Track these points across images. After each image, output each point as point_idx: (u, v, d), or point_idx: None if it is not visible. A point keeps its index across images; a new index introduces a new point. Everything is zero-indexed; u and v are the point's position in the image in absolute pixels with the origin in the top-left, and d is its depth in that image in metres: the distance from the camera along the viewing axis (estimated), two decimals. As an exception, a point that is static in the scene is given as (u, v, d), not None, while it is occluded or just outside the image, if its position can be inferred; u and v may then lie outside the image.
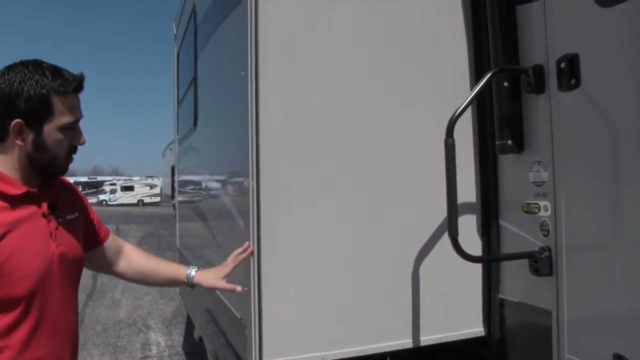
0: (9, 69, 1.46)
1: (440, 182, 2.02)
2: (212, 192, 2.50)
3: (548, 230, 1.83)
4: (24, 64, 1.47)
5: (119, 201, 44.57)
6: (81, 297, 8.31)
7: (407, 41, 2.06)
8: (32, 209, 1.49)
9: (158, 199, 44.77)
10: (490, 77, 1.80)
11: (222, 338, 2.40)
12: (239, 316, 2.06)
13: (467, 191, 2.14)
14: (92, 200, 45.57)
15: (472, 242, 2.14)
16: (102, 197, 46.69)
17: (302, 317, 1.87)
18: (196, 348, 5.44)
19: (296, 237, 1.87)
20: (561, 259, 1.77)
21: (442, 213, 2.06)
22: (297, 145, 1.88)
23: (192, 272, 1.79)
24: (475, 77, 2.15)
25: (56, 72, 1.47)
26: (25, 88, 1.42)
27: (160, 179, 47.14)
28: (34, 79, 1.43)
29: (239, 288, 1.73)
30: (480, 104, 2.13)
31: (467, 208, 2.14)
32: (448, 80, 2.13)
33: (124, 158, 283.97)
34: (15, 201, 1.45)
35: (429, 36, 2.10)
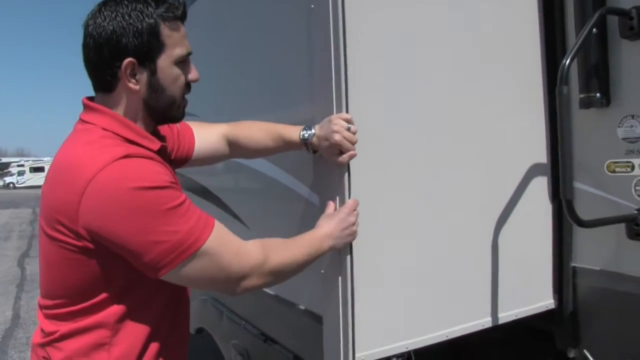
0: (104, 5, 1.25)
1: (507, 148, 1.87)
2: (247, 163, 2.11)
3: (646, 191, 1.68)
4: None
5: (27, 183, 41.93)
6: (10, 289, 7.60)
7: None
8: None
9: (72, 180, 42.40)
10: (598, 17, 1.59)
11: (258, 334, 2.08)
12: (303, 308, 1.77)
13: (536, 150, 1.95)
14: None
15: (541, 206, 1.96)
16: (8, 179, 43.74)
17: (386, 306, 1.61)
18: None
19: (384, 219, 1.60)
20: (667, 220, 1.61)
21: (511, 180, 1.89)
22: (392, 106, 1.58)
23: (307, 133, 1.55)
24: (545, 31, 1.93)
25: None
26: (131, 21, 1.22)
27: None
28: (138, 9, 1.23)
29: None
30: (551, 53, 1.93)
31: (535, 170, 1.95)
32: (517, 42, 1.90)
33: (28, 138, 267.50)
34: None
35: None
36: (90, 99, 1.34)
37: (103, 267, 1.19)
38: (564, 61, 1.53)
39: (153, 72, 1.27)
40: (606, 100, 1.75)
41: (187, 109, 1.44)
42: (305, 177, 1.72)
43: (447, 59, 1.73)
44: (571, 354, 1.93)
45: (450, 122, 1.74)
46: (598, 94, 1.75)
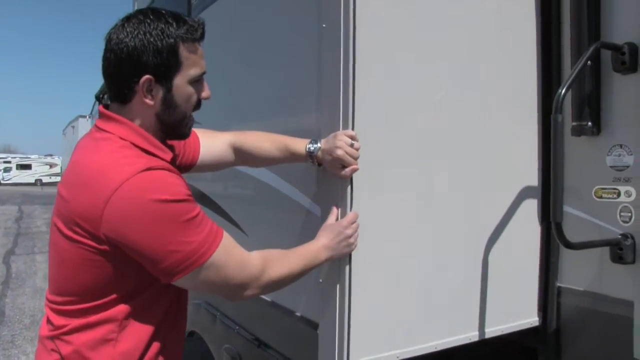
0: (127, 21, 1.31)
1: (500, 170, 1.96)
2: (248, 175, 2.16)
3: (630, 217, 1.76)
4: (142, 13, 1.33)
5: (13, 180, 41.42)
6: (-5, 286, 7.55)
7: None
8: None
9: (58, 178, 42.06)
10: (593, 51, 1.68)
11: (252, 338, 2.14)
12: (299, 314, 1.83)
13: (528, 174, 2.03)
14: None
15: (530, 228, 2.04)
16: (-7, 175, 43.22)
17: (381, 316, 1.68)
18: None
19: (383, 233, 1.67)
20: (651, 246, 1.69)
21: (504, 201, 1.97)
22: (395, 125, 1.66)
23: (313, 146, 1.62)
24: (542, 60, 2.03)
25: (179, 18, 1.33)
26: (152, 40, 1.28)
27: (60, 157, 44.43)
28: (159, 29, 1.29)
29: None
30: (547, 82, 2.02)
31: (527, 193, 2.03)
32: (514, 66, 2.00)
33: (16, 135, 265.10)
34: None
35: (495, 20, 1.94)
36: (106, 106, 1.40)
37: (117, 270, 1.26)
38: (560, 90, 1.61)
39: (169, 90, 1.34)
40: (597, 129, 1.84)
41: (197, 118, 1.51)
42: (308, 189, 1.78)
43: (450, 82, 1.81)
44: (553, 370, 2.00)
45: (449, 143, 1.82)
46: (589, 123, 1.84)
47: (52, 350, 1.32)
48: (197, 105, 1.42)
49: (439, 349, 1.79)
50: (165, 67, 1.31)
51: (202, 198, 2.53)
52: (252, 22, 2.18)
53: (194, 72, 1.35)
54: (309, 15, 1.72)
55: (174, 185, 1.26)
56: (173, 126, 1.39)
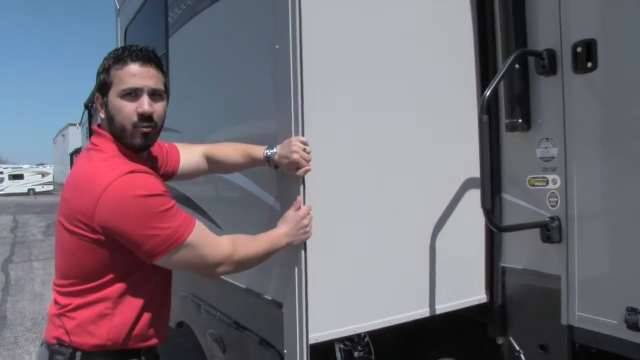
0: None
1: (443, 160, 2.20)
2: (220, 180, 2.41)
3: (557, 202, 2.00)
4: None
5: (6, 191, 41.02)
6: (-5, 292, 7.72)
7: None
8: None
9: (51, 187, 42.04)
10: (514, 58, 1.92)
11: (231, 322, 2.38)
12: (269, 297, 2.07)
13: (471, 167, 2.26)
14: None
15: (476, 215, 2.27)
16: (-15, 186, 42.94)
17: (336, 295, 1.92)
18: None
19: (334, 223, 1.91)
20: (572, 226, 1.93)
21: (449, 191, 2.23)
22: (343, 129, 1.91)
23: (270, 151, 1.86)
24: (480, 65, 2.28)
25: (122, 48, 1.61)
26: (100, 67, 1.63)
27: (52, 166, 44.43)
28: (106, 57, 1.62)
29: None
30: (485, 84, 2.25)
31: (471, 183, 2.27)
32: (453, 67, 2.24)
33: (7, 145, 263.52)
34: None
35: (433, 24, 2.18)
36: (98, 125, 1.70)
37: (110, 255, 1.53)
38: (485, 93, 1.85)
39: (107, 104, 1.61)
40: (527, 125, 2.08)
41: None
42: (270, 188, 2.02)
43: (395, 88, 2.05)
44: (500, 341, 2.25)
45: (396, 141, 2.06)
46: (520, 120, 2.08)
47: (59, 326, 1.58)
48: (140, 119, 1.59)
49: (392, 324, 2.03)
50: (103, 84, 1.61)
51: (184, 200, 2.77)
52: (220, 40, 2.42)
53: (121, 87, 1.57)
54: (266, 38, 1.95)
55: (151, 184, 1.52)
56: (118, 137, 1.62)
